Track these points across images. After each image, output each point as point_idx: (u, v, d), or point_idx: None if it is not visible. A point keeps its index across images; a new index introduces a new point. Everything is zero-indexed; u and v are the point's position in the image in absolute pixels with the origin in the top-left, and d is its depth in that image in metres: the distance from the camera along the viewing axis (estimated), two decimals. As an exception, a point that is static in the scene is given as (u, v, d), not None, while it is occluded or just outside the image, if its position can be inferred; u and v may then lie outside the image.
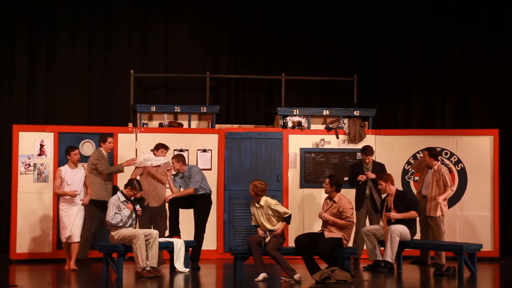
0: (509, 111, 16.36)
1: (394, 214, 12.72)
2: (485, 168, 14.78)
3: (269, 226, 11.99)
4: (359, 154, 14.75)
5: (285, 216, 12.03)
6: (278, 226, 11.98)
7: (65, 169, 12.97)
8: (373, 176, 13.74)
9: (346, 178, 14.30)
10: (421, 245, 13.21)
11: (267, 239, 11.91)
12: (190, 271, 12.60)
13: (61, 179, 12.89)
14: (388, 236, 12.59)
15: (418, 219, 13.24)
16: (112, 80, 16.06)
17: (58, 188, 12.94)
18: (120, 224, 12.06)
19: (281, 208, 12.04)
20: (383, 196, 13.27)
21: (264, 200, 12.05)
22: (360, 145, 14.72)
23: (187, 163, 13.38)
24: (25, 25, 15.64)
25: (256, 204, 12.08)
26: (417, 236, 13.43)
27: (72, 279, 12.15)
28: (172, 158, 13.19)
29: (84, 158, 13.98)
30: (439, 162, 13.77)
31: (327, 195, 12.26)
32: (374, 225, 13.29)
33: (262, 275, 11.72)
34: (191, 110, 14.86)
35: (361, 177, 13.81)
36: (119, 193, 12.29)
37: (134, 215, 12.20)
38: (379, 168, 13.92)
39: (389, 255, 12.59)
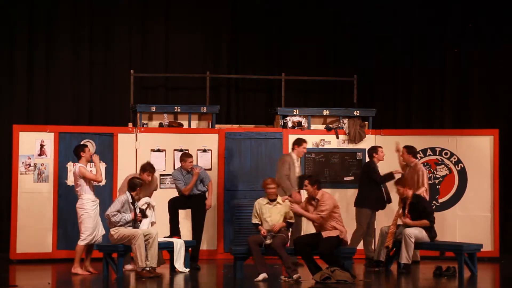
0: (509, 111, 16.36)
1: (408, 221, 12.65)
2: (485, 168, 14.78)
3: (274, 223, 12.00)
4: (359, 154, 14.78)
5: (289, 220, 12.08)
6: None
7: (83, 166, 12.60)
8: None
9: (347, 178, 14.34)
10: (420, 245, 13.18)
11: (268, 241, 11.88)
12: (190, 271, 12.60)
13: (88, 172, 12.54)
14: (402, 240, 12.56)
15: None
16: (112, 80, 16.06)
17: (95, 176, 12.45)
18: (119, 225, 12.06)
19: (291, 212, 12.14)
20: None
21: (280, 198, 12.13)
22: (360, 145, 14.77)
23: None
24: (25, 25, 15.63)
25: (271, 202, 12.05)
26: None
27: (72, 279, 12.15)
28: (191, 157, 13.22)
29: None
30: (417, 160, 13.76)
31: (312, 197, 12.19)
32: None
33: (262, 275, 11.71)
34: (191, 110, 14.86)
35: (398, 172, 13.81)
36: (128, 194, 12.26)
37: (133, 222, 12.26)
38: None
39: (405, 257, 12.50)
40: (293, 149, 13.87)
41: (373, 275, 12.60)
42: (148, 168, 12.90)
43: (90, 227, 12.49)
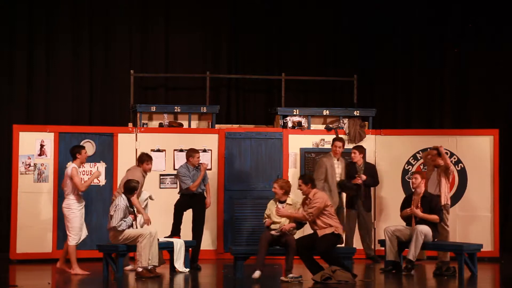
0: (509, 111, 16.37)
1: (419, 213, 12.53)
2: (485, 168, 14.78)
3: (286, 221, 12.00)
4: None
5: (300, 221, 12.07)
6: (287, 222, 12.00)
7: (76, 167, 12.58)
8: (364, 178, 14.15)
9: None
10: (423, 245, 13.16)
11: (274, 232, 11.82)
12: (190, 271, 12.60)
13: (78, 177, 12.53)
14: (413, 236, 12.48)
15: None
16: (112, 80, 16.07)
17: (81, 184, 12.46)
18: (122, 229, 12.05)
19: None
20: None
21: (291, 199, 12.11)
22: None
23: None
24: (25, 25, 15.63)
25: (280, 203, 12.02)
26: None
27: (72, 279, 12.15)
28: (198, 152, 13.24)
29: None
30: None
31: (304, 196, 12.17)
32: (397, 225, 13.01)
33: (258, 273, 11.65)
34: (191, 110, 14.86)
35: (358, 180, 14.00)
36: (124, 198, 12.20)
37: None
38: (371, 168, 14.32)
39: (412, 254, 12.38)
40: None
41: (384, 275, 12.54)
42: (145, 158, 12.98)
43: (77, 226, 12.50)
